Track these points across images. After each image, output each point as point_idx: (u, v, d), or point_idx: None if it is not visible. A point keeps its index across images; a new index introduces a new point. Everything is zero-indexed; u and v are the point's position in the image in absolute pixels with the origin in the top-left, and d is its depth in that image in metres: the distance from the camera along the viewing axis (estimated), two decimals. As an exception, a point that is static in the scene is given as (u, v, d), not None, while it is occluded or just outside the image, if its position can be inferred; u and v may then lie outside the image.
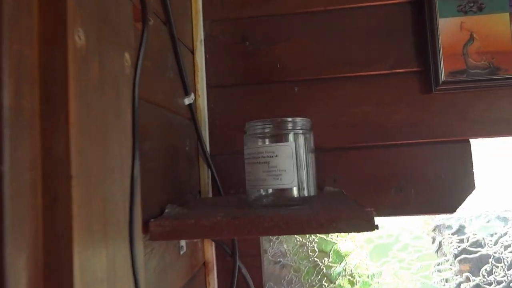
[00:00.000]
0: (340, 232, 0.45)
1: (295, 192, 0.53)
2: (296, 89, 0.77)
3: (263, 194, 0.54)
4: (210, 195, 0.77)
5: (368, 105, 0.75)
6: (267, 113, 0.77)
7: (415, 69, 0.75)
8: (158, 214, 0.52)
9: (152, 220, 0.47)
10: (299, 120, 0.55)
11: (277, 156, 0.52)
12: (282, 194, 0.53)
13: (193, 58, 0.78)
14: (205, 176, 0.76)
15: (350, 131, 0.76)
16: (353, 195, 0.74)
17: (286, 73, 0.77)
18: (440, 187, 0.73)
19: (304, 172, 0.54)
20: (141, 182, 0.42)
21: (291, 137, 0.54)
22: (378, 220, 0.46)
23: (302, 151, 0.54)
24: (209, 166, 0.76)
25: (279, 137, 0.54)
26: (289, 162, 0.52)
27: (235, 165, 0.78)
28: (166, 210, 0.53)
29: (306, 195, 0.54)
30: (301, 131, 0.55)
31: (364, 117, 0.75)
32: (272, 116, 0.74)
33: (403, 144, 0.74)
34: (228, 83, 0.79)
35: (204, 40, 0.79)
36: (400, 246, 0.87)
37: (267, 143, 0.54)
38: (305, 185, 0.54)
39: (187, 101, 0.69)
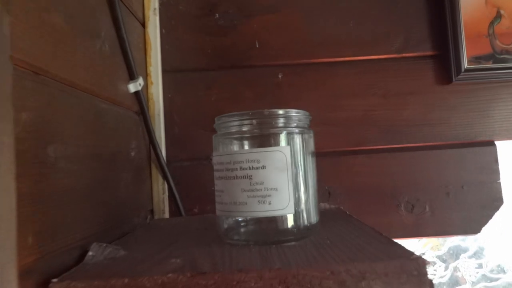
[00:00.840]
0: (369, 292, 0.28)
1: (290, 221, 0.35)
2: (280, 76, 0.60)
3: (241, 222, 0.36)
4: (167, 215, 0.58)
5: (372, 97, 0.59)
6: (241, 107, 0.59)
7: (430, 52, 0.59)
8: (74, 263, 0.33)
9: (54, 280, 0.27)
10: (295, 113, 0.37)
11: (263, 167, 0.34)
12: (270, 224, 0.35)
13: (144, 33, 0.58)
14: (159, 190, 0.57)
15: (349, 130, 0.59)
16: (354, 212, 0.58)
17: (267, 55, 0.60)
18: (462, 202, 0.58)
19: (303, 190, 0.36)
20: (40, 211, 0.23)
21: (283, 138, 0.36)
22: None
23: (299, 159, 0.36)
24: (164, 177, 0.56)
25: (265, 138, 0.36)
26: (282, 177, 0.34)
27: (200, 174, 0.59)
28: (90, 254, 0.34)
29: (306, 223, 0.36)
30: (297, 130, 0.37)
31: (366, 113, 0.59)
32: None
33: (415, 147, 0.59)
34: (190, 66, 0.60)
35: (160, 8, 0.59)
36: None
37: (246, 147, 0.36)
38: (304, 209, 0.36)
39: (132, 87, 0.49)
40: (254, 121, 0.36)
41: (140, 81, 0.50)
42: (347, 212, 0.50)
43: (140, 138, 0.53)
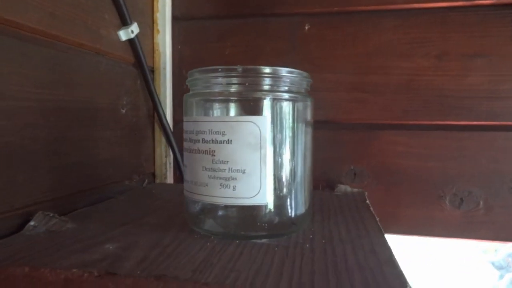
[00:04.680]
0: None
1: (261, 213, 0.27)
2: (306, 28, 0.49)
3: (207, 207, 0.29)
4: (169, 180, 0.53)
5: (423, 59, 0.46)
6: (258, 63, 0.50)
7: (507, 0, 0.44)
8: (15, 232, 0.28)
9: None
10: (286, 73, 0.28)
11: (229, 141, 0.26)
12: (238, 214, 0.28)
13: (153, -28, 0.51)
14: (162, 153, 0.52)
15: (388, 100, 0.47)
16: (384, 200, 0.47)
17: (292, 0, 0.49)
18: (531, 202, 0.44)
19: (287, 173, 0.28)
20: None
21: (263, 105, 0.27)
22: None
23: (286, 133, 0.28)
24: (167, 139, 0.51)
25: (241, 104, 0.27)
26: (253, 156, 0.26)
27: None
28: (31, 224, 0.30)
29: (288, 216, 0.28)
30: (286, 96, 0.28)
31: (413, 79, 0.47)
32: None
33: (476, 126, 0.45)
34: (204, 13, 0.52)
35: None
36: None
37: (216, 113, 0.28)
38: (286, 198, 0.28)
39: (123, 35, 0.43)
40: (227, 78, 0.27)
41: (134, 27, 0.43)
42: (367, 201, 0.40)
43: (139, 94, 0.48)
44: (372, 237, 0.28)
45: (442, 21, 0.45)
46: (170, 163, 0.53)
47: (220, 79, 0.27)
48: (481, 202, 0.45)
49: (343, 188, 0.46)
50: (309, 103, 0.30)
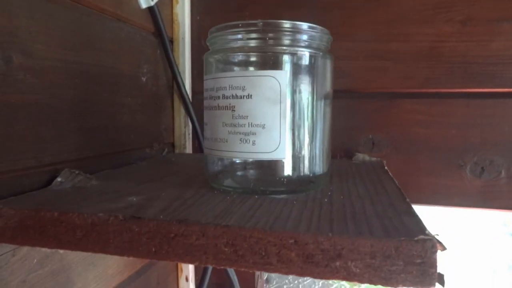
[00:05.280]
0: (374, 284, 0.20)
1: (281, 168, 0.28)
2: (326, -6, 0.48)
3: (226, 164, 0.29)
4: (188, 150, 0.54)
5: (446, 24, 0.45)
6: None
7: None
8: (43, 186, 0.30)
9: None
10: (307, 28, 0.28)
11: (249, 96, 0.27)
12: (258, 169, 0.28)
13: None
14: (181, 123, 0.53)
15: (409, 67, 0.46)
16: (403, 170, 0.47)
17: (313, -33, 0.48)
18: (556, 172, 0.43)
19: (306, 130, 0.28)
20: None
21: (283, 60, 0.27)
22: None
23: (306, 90, 0.28)
24: (186, 109, 0.51)
25: (260, 59, 0.27)
26: (273, 111, 0.26)
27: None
28: (58, 180, 0.31)
29: (306, 173, 0.28)
30: (307, 52, 0.28)
31: (435, 45, 0.45)
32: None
33: (500, 94, 0.44)
34: (223, -17, 0.51)
35: None
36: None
37: (236, 69, 0.28)
38: (305, 155, 0.28)
39: (144, 2, 0.43)
40: (247, 35, 0.27)
41: (154, -5, 0.44)
42: (386, 168, 0.40)
43: (158, 63, 0.48)
44: (390, 194, 0.28)
45: (467, -15, 0.44)
46: (189, 134, 0.53)
47: (239, 35, 0.28)
48: (503, 171, 0.44)
49: (361, 156, 0.46)
50: (328, 60, 0.29)
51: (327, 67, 0.29)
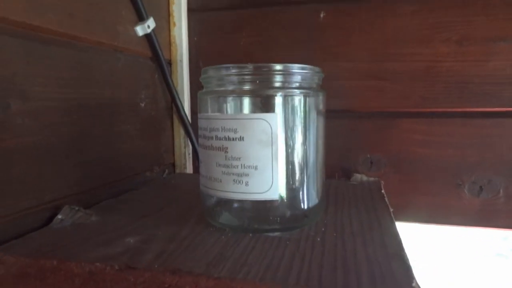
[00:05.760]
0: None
1: (274, 207, 0.28)
2: (322, 16, 0.48)
3: (222, 201, 0.30)
4: (189, 170, 0.54)
5: (443, 44, 0.45)
6: (274, 53, 0.50)
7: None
8: (45, 225, 0.31)
9: (-12, 251, 0.25)
10: (297, 69, 0.28)
11: (241, 138, 0.27)
12: (252, 208, 0.29)
13: (168, -36, 0.51)
14: (181, 143, 0.53)
15: (406, 87, 0.46)
16: (401, 189, 0.47)
17: (309, -12, 0.48)
18: (555, 191, 0.43)
19: (299, 168, 0.28)
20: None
21: (274, 102, 0.27)
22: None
23: (297, 129, 0.28)
24: (185, 130, 0.52)
25: (253, 101, 0.28)
26: (264, 153, 0.27)
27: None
28: (58, 217, 0.32)
29: (301, 209, 0.29)
30: (298, 92, 0.28)
31: (432, 65, 0.45)
32: (282, 60, 0.48)
33: (497, 113, 0.44)
34: (219, 4, 0.52)
35: None
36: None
37: (230, 112, 0.29)
38: (298, 192, 0.29)
39: (140, 30, 0.44)
40: (239, 78, 0.28)
41: (150, 22, 0.44)
42: (382, 190, 0.40)
43: (157, 87, 0.49)
44: (384, 229, 0.29)
45: (463, 4, 0.44)
46: (189, 154, 0.54)
47: (232, 77, 0.28)
48: (501, 191, 0.45)
49: (359, 177, 0.47)
50: (321, 97, 0.30)
51: (319, 103, 0.30)
